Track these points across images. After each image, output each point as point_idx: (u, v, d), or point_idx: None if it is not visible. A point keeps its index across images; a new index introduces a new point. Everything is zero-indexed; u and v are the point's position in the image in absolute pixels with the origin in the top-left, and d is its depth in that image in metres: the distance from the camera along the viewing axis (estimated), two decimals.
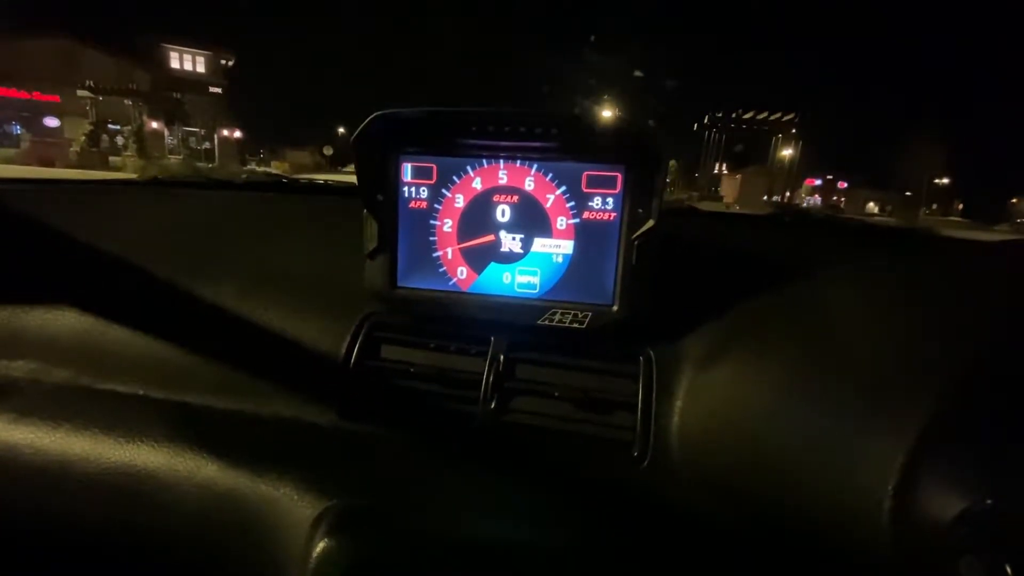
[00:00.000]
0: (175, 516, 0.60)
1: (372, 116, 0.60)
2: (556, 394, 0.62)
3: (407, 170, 0.66)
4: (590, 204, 0.63)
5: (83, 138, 22.66)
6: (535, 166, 0.64)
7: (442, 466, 0.63)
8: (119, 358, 0.71)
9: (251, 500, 0.57)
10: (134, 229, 0.84)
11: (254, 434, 0.65)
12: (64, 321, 0.74)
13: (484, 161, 0.65)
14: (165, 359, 0.70)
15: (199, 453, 0.61)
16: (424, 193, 0.66)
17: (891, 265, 0.65)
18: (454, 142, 0.64)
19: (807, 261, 0.67)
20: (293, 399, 0.67)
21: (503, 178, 0.65)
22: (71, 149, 21.06)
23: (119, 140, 25.75)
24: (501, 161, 0.64)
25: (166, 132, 29.06)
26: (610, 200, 0.63)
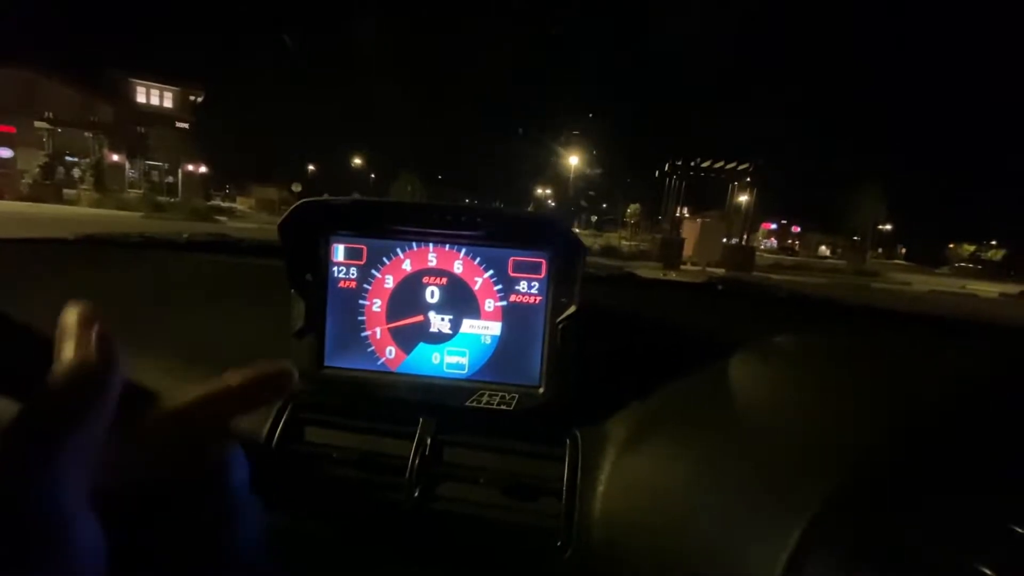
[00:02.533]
0: None
1: (298, 203, 0.61)
2: (482, 480, 0.62)
3: (337, 250, 0.66)
4: (516, 288, 0.65)
5: (36, 170, 21.85)
6: (464, 250, 0.65)
7: (365, 558, 0.61)
8: None
9: None
10: (49, 295, 0.81)
11: None
12: None
13: (414, 244, 0.66)
14: None
15: None
16: (354, 273, 0.67)
17: (811, 344, 0.68)
18: (384, 226, 0.65)
19: (732, 338, 0.70)
20: None
21: (432, 260, 0.66)
22: (23, 181, 20.25)
23: (76, 172, 24.95)
24: (431, 244, 0.66)
25: (128, 165, 28.35)
26: (535, 284, 0.64)
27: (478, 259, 0.65)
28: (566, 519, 0.59)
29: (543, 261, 0.64)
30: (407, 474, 0.62)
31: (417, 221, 0.63)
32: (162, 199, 20.24)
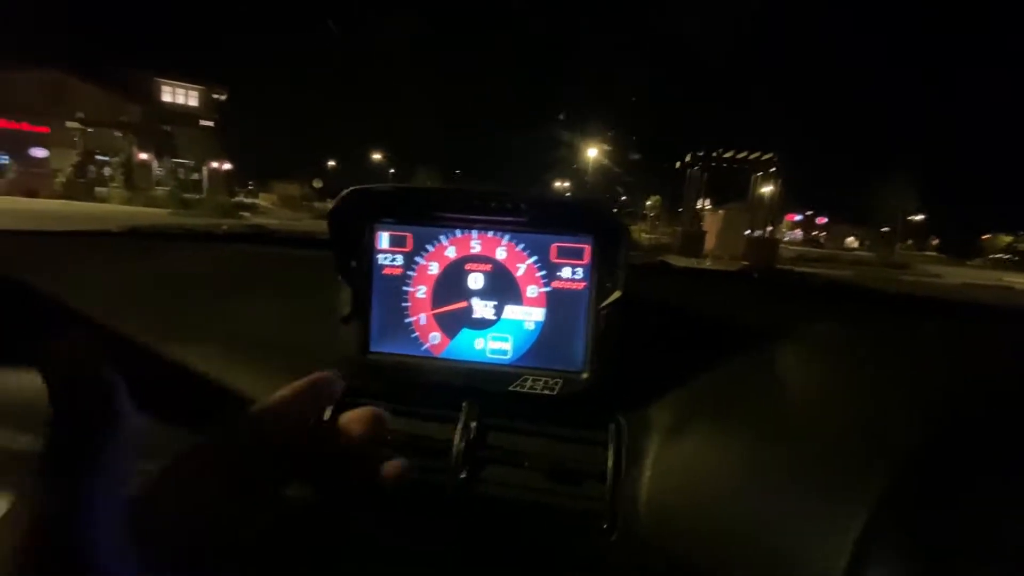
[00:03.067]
0: None
1: (346, 191, 0.62)
2: (526, 463, 0.62)
3: (382, 238, 0.67)
4: (559, 274, 0.65)
5: (70, 169, 22.58)
6: (507, 236, 0.66)
7: (410, 540, 0.62)
8: None
9: None
10: (99, 285, 0.84)
11: None
12: (29, 383, 0.72)
13: (458, 231, 0.66)
14: None
15: None
16: (399, 260, 0.68)
17: (854, 333, 0.67)
18: (428, 213, 0.66)
19: (775, 325, 0.69)
20: None
21: (476, 247, 0.66)
22: (56, 180, 20.95)
23: (106, 171, 25.70)
24: (474, 231, 0.66)
25: (155, 163, 29.10)
26: (579, 270, 0.64)
27: (521, 245, 0.65)
28: (611, 502, 0.59)
29: (587, 247, 0.64)
30: (452, 457, 0.63)
31: (460, 207, 0.64)
32: (188, 196, 20.75)
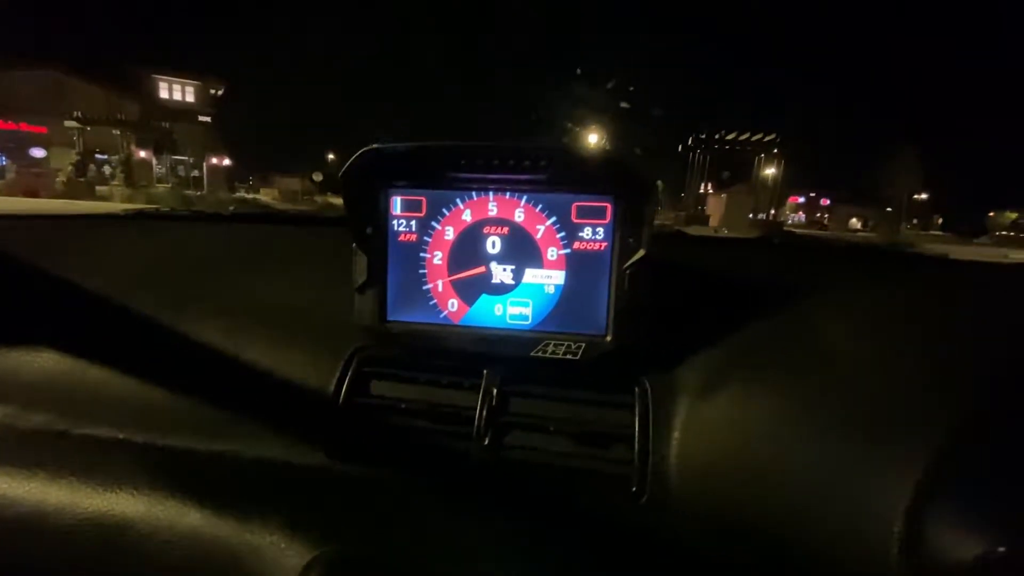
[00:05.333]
0: (157, 567, 0.57)
1: (361, 151, 0.60)
2: (551, 428, 0.61)
3: (396, 203, 0.66)
4: (580, 234, 0.63)
5: (69, 168, 22.56)
6: (524, 198, 0.64)
7: (436, 508, 0.61)
8: (98, 401, 0.68)
9: (237, 549, 0.55)
10: (116, 265, 0.82)
11: (239, 478, 0.62)
12: (41, 363, 0.71)
13: (473, 193, 0.64)
14: (146, 401, 0.67)
15: (181, 500, 0.58)
16: (414, 226, 0.66)
17: (891, 292, 0.65)
18: (443, 175, 0.64)
19: (799, 285, 0.67)
20: (280, 440, 0.65)
21: (493, 210, 0.64)
22: (57, 179, 20.94)
23: (106, 170, 25.67)
24: (490, 193, 0.64)
25: (154, 161, 29.04)
26: (600, 230, 0.62)
27: (540, 206, 0.63)
28: (640, 466, 0.58)
29: (608, 205, 0.62)
30: (475, 424, 0.61)
31: (477, 165, 0.62)
32: (189, 192, 20.69)
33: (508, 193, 0.64)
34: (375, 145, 0.60)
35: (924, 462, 0.34)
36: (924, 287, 0.70)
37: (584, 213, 0.62)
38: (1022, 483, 0.31)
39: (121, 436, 0.67)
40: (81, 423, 0.68)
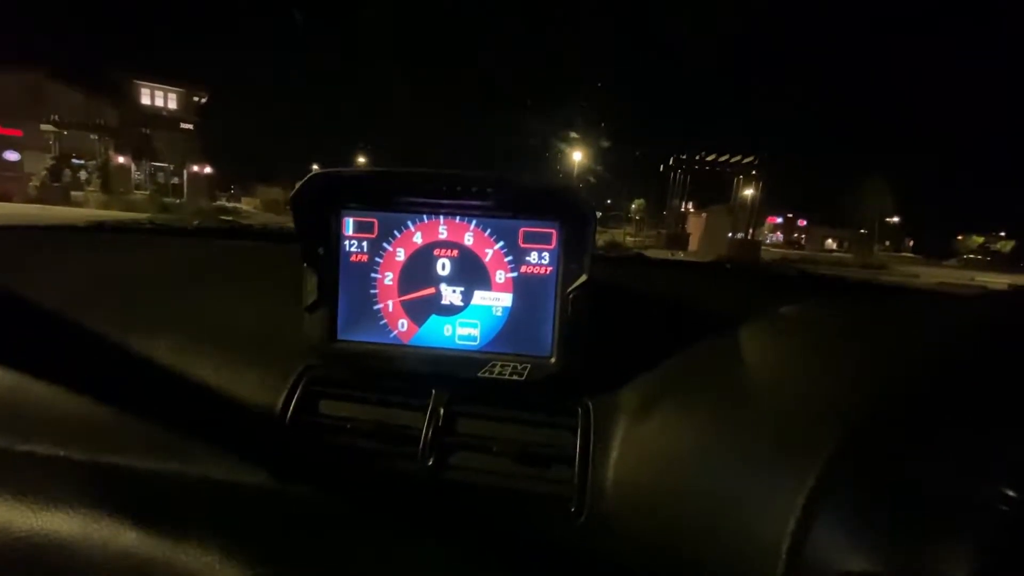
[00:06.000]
0: None
1: (310, 175, 0.61)
2: (495, 448, 0.62)
3: (348, 224, 0.67)
4: (527, 259, 0.65)
5: (44, 172, 22.03)
6: (474, 222, 0.65)
7: (379, 529, 0.61)
8: (40, 417, 0.67)
9: (170, 570, 0.54)
10: (64, 278, 0.82)
11: (180, 497, 0.62)
12: None
13: (424, 217, 0.66)
14: (90, 418, 0.67)
15: (117, 519, 0.57)
16: (365, 247, 0.67)
17: (807, 315, 0.68)
18: (395, 199, 0.65)
19: (739, 311, 0.70)
20: (225, 459, 0.64)
21: (443, 233, 0.66)
22: (31, 184, 20.42)
23: (83, 175, 25.12)
24: (441, 217, 0.66)
25: (133, 167, 28.52)
26: (546, 255, 0.64)
27: (488, 231, 0.65)
28: (579, 486, 0.59)
29: (553, 231, 0.64)
30: (420, 444, 0.62)
31: (427, 191, 0.63)
32: (168, 200, 20.37)
33: (458, 217, 0.66)
34: (326, 170, 0.62)
35: (811, 483, 0.36)
36: (848, 312, 0.73)
37: (531, 238, 0.65)
38: (899, 505, 0.33)
39: (62, 453, 0.66)
40: (20, 440, 0.67)
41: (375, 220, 0.66)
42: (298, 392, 0.66)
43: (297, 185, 0.61)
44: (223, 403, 0.66)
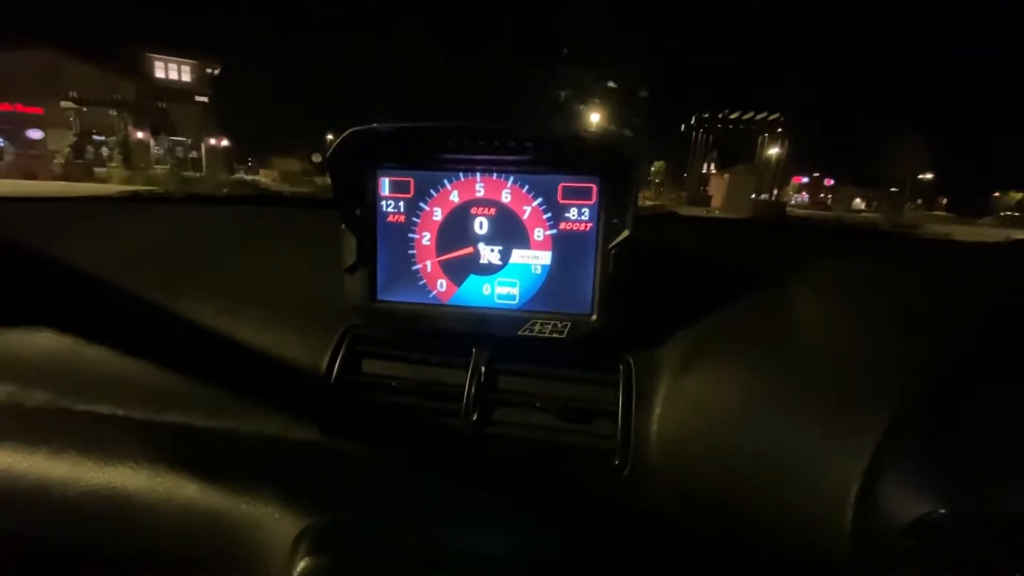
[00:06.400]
0: (155, 538, 0.59)
1: (346, 133, 0.60)
2: (537, 404, 0.63)
3: (384, 184, 0.66)
4: (566, 215, 0.64)
5: (67, 150, 22.42)
6: (511, 178, 0.64)
7: (425, 481, 0.63)
8: (97, 379, 0.70)
9: (231, 520, 0.57)
10: (111, 246, 0.83)
11: (234, 453, 0.64)
12: (41, 342, 0.73)
13: (461, 174, 0.65)
14: (144, 379, 0.69)
15: (178, 474, 0.60)
16: (402, 207, 0.66)
17: (853, 267, 0.66)
18: (431, 156, 0.64)
19: (780, 266, 0.68)
20: (274, 416, 0.66)
21: (480, 191, 0.65)
22: (55, 161, 20.82)
23: (104, 151, 25.48)
24: (478, 174, 0.65)
25: (152, 142, 28.80)
26: (586, 211, 0.63)
27: (526, 187, 0.64)
28: (622, 440, 0.60)
29: (593, 186, 0.62)
30: (463, 401, 0.63)
31: (464, 146, 0.62)
32: (188, 174, 20.57)
33: (495, 174, 0.64)
34: (361, 127, 0.61)
35: (881, 429, 0.35)
36: (897, 264, 0.71)
37: (570, 194, 0.63)
38: (966, 449, 0.32)
39: (120, 413, 0.69)
40: (81, 401, 0.70)
41: (411, 179, 0.66)
42: (342, 352, 0.67)
43: (332, 145, 0.61)
44: (270, 364, 0.68)
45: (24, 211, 0.96)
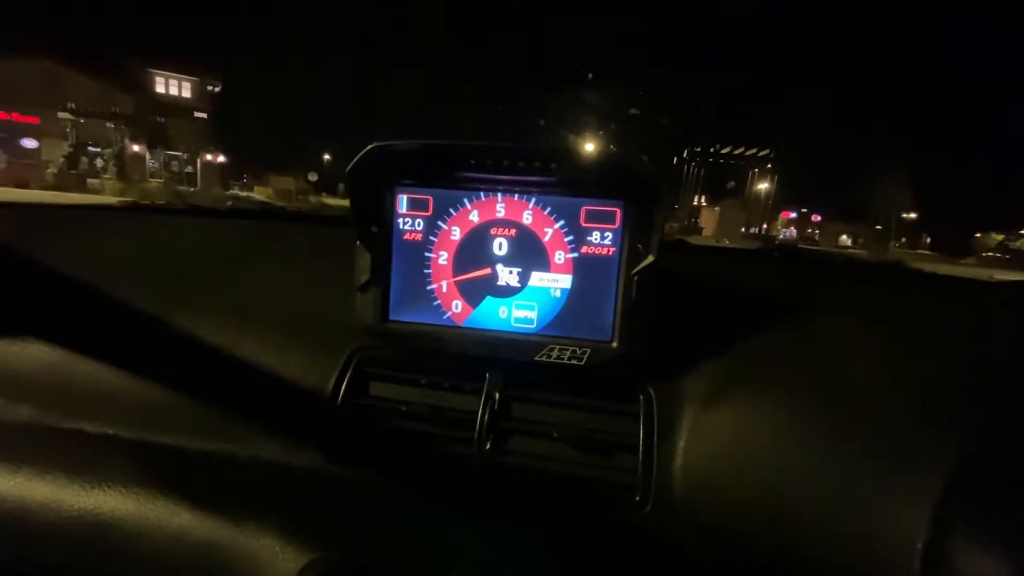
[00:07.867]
0: (144, 569, 0.55)
1: (368, 147, 0.59)
2: (554, 434, 0.60)
3: (403, 202, 0.65)
4: (589, 239, 0.62)
5: (62, 160, 22.32)
6: (533, 200, 0.63)
7: (435, 514, 0.60)
8: (88, 395, 0.66)
9: (229, 552, 0.53)
10: (109, 257, 0.80)
11: (233, 479, 0.61)
12: (29, 354, 0.69)
13: (482, 194, 0.64)
14: (137, 396, 0.65)
15: (172, 500, 0.56)
16: (420, 225, 0.65)
17: (897, 306, 0.65)
18: (451, 175, 0.63)
19: (801, 299, 0.67)
20: (275, 440, 0.63)
21: (501, 211, 0.64)
22: (48, 171, 20.69)
23: (99, 162, 25.38)
24: (499, 194, 0.63)
25: (148, 155, 28.77)
26: (609, 235, 0.62)
27: (548, 209, 0.63)
28: (644, 474, 0.57)
29: (617, 210, 0.61)
30: (477, 428, 0.60)
31: (486, 165, 0.61)
32: (182, 188, 20.52)
33: (517, 195, 0.63)
34: (383, 142, 0.59)
35: (943, 479, 0.33)
36: (927, 304, 0.70)
37: (593, 217, 0.62)
38: None
39: (111, 432, 0.65)
40: (69, 418, 0.66)
41: (430, 197, 0.64)
42: (349, 373, 0.64)
43: (355, 158, 0.59)
44: (272, 384, 0.65)
45: (18, 217, 0.93)
